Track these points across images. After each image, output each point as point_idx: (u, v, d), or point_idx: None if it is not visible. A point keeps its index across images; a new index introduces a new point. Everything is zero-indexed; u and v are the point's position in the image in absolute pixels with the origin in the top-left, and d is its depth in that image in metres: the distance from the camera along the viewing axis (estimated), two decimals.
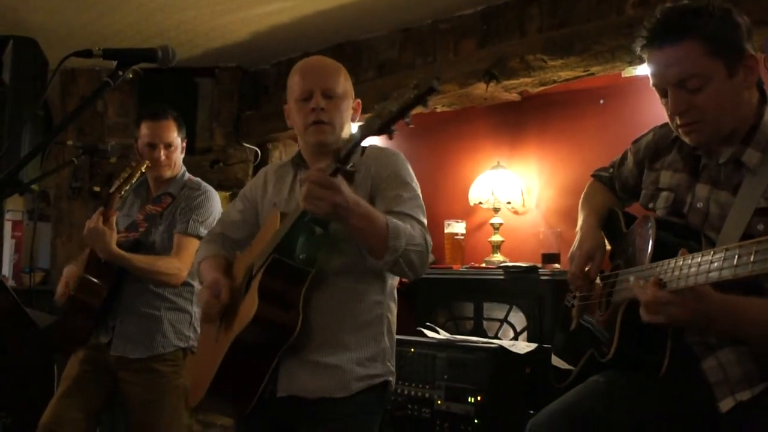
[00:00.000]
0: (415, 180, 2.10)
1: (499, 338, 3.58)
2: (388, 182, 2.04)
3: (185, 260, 2.82)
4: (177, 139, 3.02)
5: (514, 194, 4.01)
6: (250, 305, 1.86)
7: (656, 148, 1.96)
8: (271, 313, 1.86)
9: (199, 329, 2.71)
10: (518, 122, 4.18)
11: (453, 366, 3.10)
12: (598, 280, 1.96)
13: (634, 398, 1.80)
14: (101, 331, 2.91)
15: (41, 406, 2.88)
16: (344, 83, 2.13)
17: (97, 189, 4.77)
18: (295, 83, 2.12)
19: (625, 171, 2.10)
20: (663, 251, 1.66)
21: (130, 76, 1.76)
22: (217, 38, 4.44)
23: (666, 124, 1.95)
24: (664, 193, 1.88)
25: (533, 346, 3.16)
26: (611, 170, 2.17)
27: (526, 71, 3.62)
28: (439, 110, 4.21)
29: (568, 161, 3.95)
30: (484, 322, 3.73)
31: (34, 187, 4.18)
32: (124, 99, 4.98)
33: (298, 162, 2.19)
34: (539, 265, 3.56)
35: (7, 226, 5.42)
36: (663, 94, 1.75)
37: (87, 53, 1.68)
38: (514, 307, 3.61)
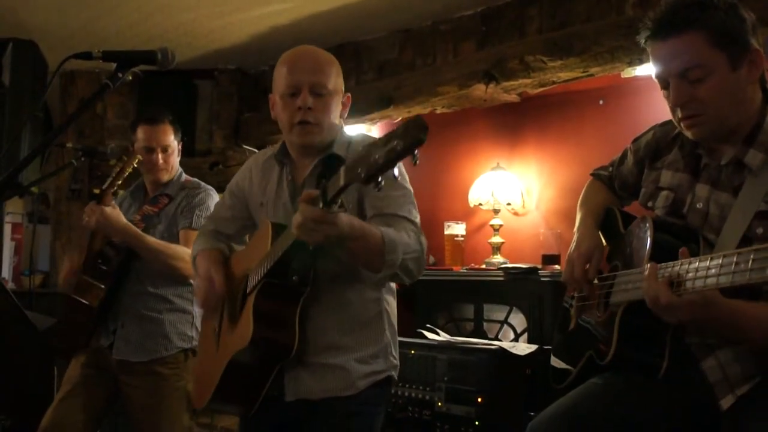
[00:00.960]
0: (405, 173, 1.99)
1: (500, 340, 3.58)
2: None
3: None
4: (174, 142, 3.02)
5: (514, 195, 4.01)
6: (246, 328, 1.85)
7: (657, 147, 1.96)
8: (267, 334, 1.85)
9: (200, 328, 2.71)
10: (518, 123, 4.18)
11: (453, 368, 3.10)
12: (595, 281, 1.95)
13: (633, 400, 1.80)
14: (102, 335, 2.90)
15: (41, 409, 2.87)
16: (335, 79, 2.02)
17: (96, 191, 4.76)
18: (281, 75, 2.01)
19: (624, 170, 2.09)
20: (661, 253, 1.65)
21: (130, 78, 1.76)
22: (216, 40, 4.44)
23: (666, 123, 1.95)
24: (663, 193, 1.88)
25: (533, 347, 3.15)
26: (611, 169, 2.16)
27: (525, 72, 3.62)
28: (438, 111, 4.22)
29: (567, 162, 3.94)
30: (485, 324, 3.73)
31: (34, 189, 4.18)
32: (124, 101, 4.98)
33: (283, 158, 2.10)
34: (539, 266, 3.56)
35: (7, 229, 5.42)
36: (665, 85, 1.74)
37: (86, 55, 1.68)
38: (514, 308, 3.60)
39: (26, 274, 5.10)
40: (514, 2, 3.75)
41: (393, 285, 2.10)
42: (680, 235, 1.74)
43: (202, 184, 3.07)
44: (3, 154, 3.50)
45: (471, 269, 3.87)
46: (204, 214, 2.89)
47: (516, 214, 4.13)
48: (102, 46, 1.73)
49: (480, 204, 4.06)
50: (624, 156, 2.10)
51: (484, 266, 3.89)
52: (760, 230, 1.61)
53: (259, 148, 4.84)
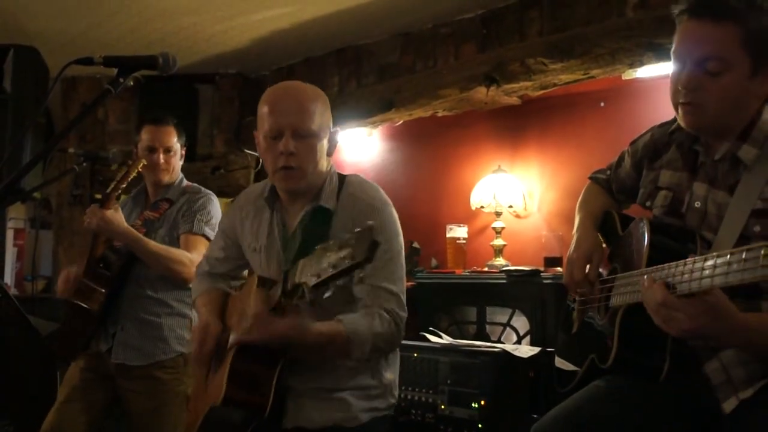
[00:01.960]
0: (397, 232, 1.98)
1: (502, 342, 3.57)
2: None
3: (194, 256, 2.81)
4: (176, 144, 3.04)
5: (516, 198, 4.00)
6: (220, 385, 1.84)
7: (655, 147, 1.95)
8: (240, 395, 1.83)
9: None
10: (519, 126, 4.18)
11: (456, 371, 3.09)
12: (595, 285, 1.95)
13: (636, 402, 1.80)
14: (101, 339, 2.91)
15: (43, 414, 2.88)
16: (320, 117, 1.93)
17: (98, 196, 4.76)
18: (264, 116, 1.94)
19: (622, 173, 2.09)
20: (658, 254, 1.65)
21: (131, 83, 1.75)
22: (217, 44, 4.44)
23: (664, 123, 1.95)
24: (662, 192, 1.87)
25: (536, 349, 3.15)
26: (608, 172, 2.16)
27: (526, 75, 3.62)
28: (440, 115, 4.22)
29: (569, 164, 3.94)
30: (487, 327, 3.72)
31: (36, 194, 4.19)
32: (125, 106, 4.99)
33: (273, 202, 2.06)
34: (541, 268, 3.56)
35: (9, 234, 5.42)
36: (681, 65, 1.71)
37: (88, 61, 1.68)
38: (516, 311, 3.60)
39: (29, 279, 5.10)
40: (515, 5, 3.75)
41: None
42: (677, 236, 1.74)
43: (203, 189, 3.07)
44: (5, 159, 3.50)
45: (473, 272, 3.87)
46: (205, 218, 2.90)
47: (518, 216, 4.13)
48: (103, 51, 1.73)
49: (482, 207, 4.06)
50: (621, 159, 2.10)
51: (486, 269, 3.89)
52: (757, 228, 1.61)
53: None
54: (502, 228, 4.02)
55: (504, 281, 3.59)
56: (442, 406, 3.10)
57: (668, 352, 1.64)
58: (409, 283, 2.04)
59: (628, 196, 2.09)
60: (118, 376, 2.89)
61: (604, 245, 2.00)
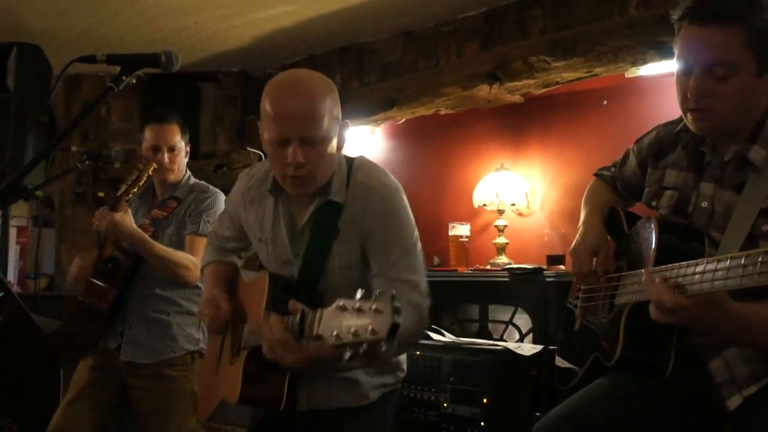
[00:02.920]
0: (410, 221, 1.93)
1: (505, 340, 3.58)
2: (379, 237, 1.88)
3: (199, 260, 2.81)
4: (180, 143, 3.04)
5: (519, 196, 4.00)
6: (235, 384, 1.85)
7: (660, 146, 1.95)
8: (255, 393, 1.85)
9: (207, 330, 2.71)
10: (522, 124, 4.18)
11: (459, 368, 3.09)
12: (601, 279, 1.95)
13: (639, 401, 1.80)
14: (110, 337, 2.91)
15: (47, 412, 2.88)
16: (329, 119, 1.79)
17: (101, 194, 4.78)
18: (268, 118, 1.79)
19: (627, 171, 2.09)
20: (666, 253, 1.65)
21: (134, 81, 1.74)
22: (220, 43, 4.44)
23: (669, 122, 1.94)
24: (668, 192, 1.87)
25: (539, 347, 3.15)
26: (613, 170, 2.16)
27: (529, 73, 3.61)
28: (442, 113, 4.22)
29: (571, 162, 3.94)
30: (490, 325, 3.72)
31: (39, 193, 4.19)
32: (128, 104, 4.99)
33: (277, 193, 1.97)
34: (544, 266, 3.55)
35: (12, 232, 5.43)
36: (686, 70, 1.69)
37: (90, 59, 1.69)
38: (519, 309, 3.60)
39: (31, 277, 5.10)
40: (517, 3, 3.75)
41: None
42: (685, 235, 1.74)
43: (211, 187, 3.08)
44: (8, 158, 3.51)
45: (476, 270, 3.87)
46: (212, 219, 2.91)
47: (520, 214, 4.13)
48: (106, 49, 1.74)
49: (484, 205, 4.06)
50: (626, 157, 2.09)
51: (488, 267, 3.89)
52: (765, 228, 1.60)
53: (263, 150, 4.84)
54: (505, 226, 4.02)
55: (506, 279, 3.58)
56: (445, 404, 3.11)
57: (673, 350, 1.64)
58: None
59: (632, 194, 2.09)
60: (126, 374, 2.89)
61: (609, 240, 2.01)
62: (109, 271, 2.87)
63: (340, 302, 1.37)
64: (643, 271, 1.56)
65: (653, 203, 1.92)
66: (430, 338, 3.35)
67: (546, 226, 4.00)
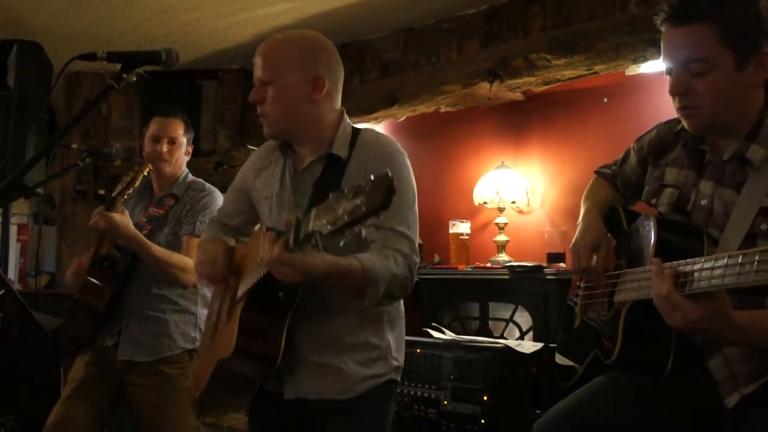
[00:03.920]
0: (410, 179, 1.97)
1: (505, 338, 3.58)
2: None
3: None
4: (183, 138, 3.04)
5: (519, 194, 4.00)
6: (230, 337, 1.85)
7: (661, 145, 1.95)
8: (251, 346, 1.84)
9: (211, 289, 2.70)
10: (522, 122, 4.18)
11: (459, 366, 3.10)
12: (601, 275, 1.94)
13: (639, 399, 1.80)
14: (107, 335, 2.91)
15: (47, 409, 2.88)
16: (277, 64, 2.04)
17: (101, 192, 4.78)
18: None
19: (627, 169, 2.09)
20: (665, 251, 1.65)
21: (134, 79, 1.75)
22: (220, 40, 4.44)
23: (670, 121, 1.94)
24: (668, 190, 1.87)
25: (539, 345, 3.15)
26: (614, 168, 2.16)
27: (529, 70, 3.61)
28: (443, 110, 4.22)
29: (572, 160, 3.94)
30: (490, 322, 3.73)
31: (39, 190, 4.18)
32: (129, 102, 4.99)
33: (286, 150, 2.07)
34: (544, 264, 3.56)
35: (13, 230, 5.42)
36: (669, 71, 1.74)
37: (91, 56, 1.69)
38: (519, 306, 3.60)
39: (32, 275, 5.11)
40: (518, 0, 3.75)
41: None
42: (684, 233, 1.74)
43: (207, 185, 3.07)
44: (8, 155, 3.51)
45: (476, 268, 3.87)
46: (207, 219, 2.90)
47: (521, 212, 4.13)
48: (106, 47, 1.74)
49: (485, 202, 4.06)
50: (627, 155, 2.10)
51: (489, 264, 3.89)
52: (764, 227, 1.60)
53: None
54: (505, 224, 4.02)
55: (507, 277, 3.59)
56: (445, 402, 3.11)
57: (672, 348, 1.64)
58: None
59: (633, 192, 2.09)
60: (124, 372, 2.90)
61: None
62: (106, 269, 2.87)
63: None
64: (654, 259, 1.54)
65: (653, 201, 1.92)
66: (431, 336, 3.36)
67: (546, 223, 4.01)
